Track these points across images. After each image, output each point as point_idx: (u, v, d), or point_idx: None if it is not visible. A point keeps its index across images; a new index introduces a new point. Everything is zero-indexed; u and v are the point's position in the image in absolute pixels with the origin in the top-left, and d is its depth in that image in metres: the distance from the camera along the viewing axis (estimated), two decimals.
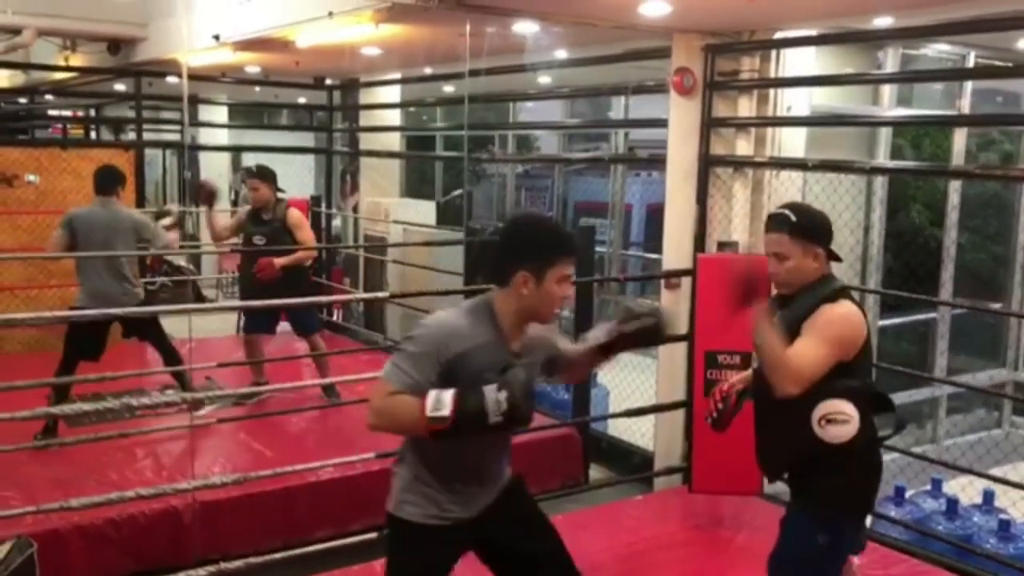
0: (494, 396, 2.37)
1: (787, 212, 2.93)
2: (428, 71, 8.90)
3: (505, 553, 2.78)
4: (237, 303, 8.40)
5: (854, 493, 2.93)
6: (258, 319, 6.32)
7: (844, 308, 2.85)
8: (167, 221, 6.14)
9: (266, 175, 6.26)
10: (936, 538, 4.54)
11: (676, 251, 5.62)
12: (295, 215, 6.22)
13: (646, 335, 2.72)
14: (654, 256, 9.56)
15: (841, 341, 2.80)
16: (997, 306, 7.78)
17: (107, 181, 5.72)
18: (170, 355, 5.76)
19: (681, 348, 5.36)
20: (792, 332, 2.83)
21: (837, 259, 2.95)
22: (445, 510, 2.63)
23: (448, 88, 10.14)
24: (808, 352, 2.76)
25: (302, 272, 6.24)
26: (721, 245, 5.26)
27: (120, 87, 10.59)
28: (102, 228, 5.57)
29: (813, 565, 2.93)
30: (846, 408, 2.79)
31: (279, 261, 5.95)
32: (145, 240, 5.80)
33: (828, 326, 2.80)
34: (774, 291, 2.99)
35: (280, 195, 6.32)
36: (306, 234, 6.22)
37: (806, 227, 2.89)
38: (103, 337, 5.57)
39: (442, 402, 2.38)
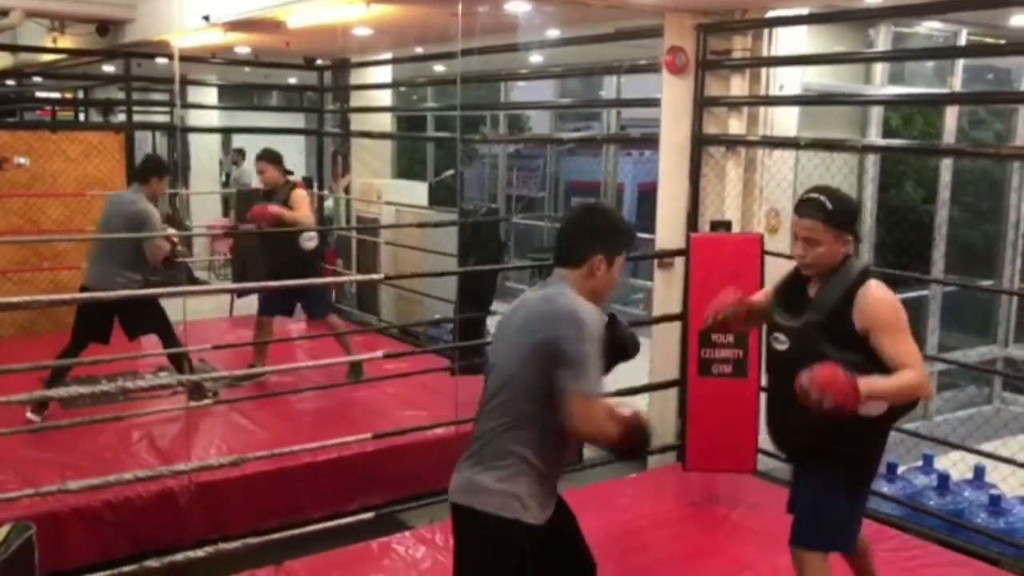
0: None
1: (823, 199, 2.94)
2: (419, 51, 8.86)
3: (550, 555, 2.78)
4: (233, 285, 8.40)
5: (874, 462, 3.08)
6: (275, 301, 6.40)
7: (882, 291, 2.91)
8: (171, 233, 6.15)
9: (273, 157, 6.36)
10: (927, 513, 4.59)
11: (669, 231, 5.63)
12: (298, 194, 6.30)
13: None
14: (647, 236, 9.58)
15: (906, 319, 2.90)
16: (988, 283, 7.82)
17: (138, 169, 5.93)
18: (173, 345, 5.69)
19: (675, 327, 5.38)
20: (829, 321, 2.89)
21: (859, 240, 3.04)
22: (544, 511, 2.66)
23: (439, 68, 10.11)
24: (907, 350, 2.83)
25: (309, 257, 6.33)
26: (714, 225, 5.26)
27: (109, 69, 10.52)
28: (116, 214, 5.67)
29: (839, 531, 3.07)
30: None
31: (274, 208, 6.15)
32: (136, 230, 5.67)
33: (894, 316, 2.87)
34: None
35: (289, 178, 6.44)
36: (302, 210, 6.27)
37: (840, 214, 2.93)
38: (109, 320, 5.58)
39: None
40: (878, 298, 2.88)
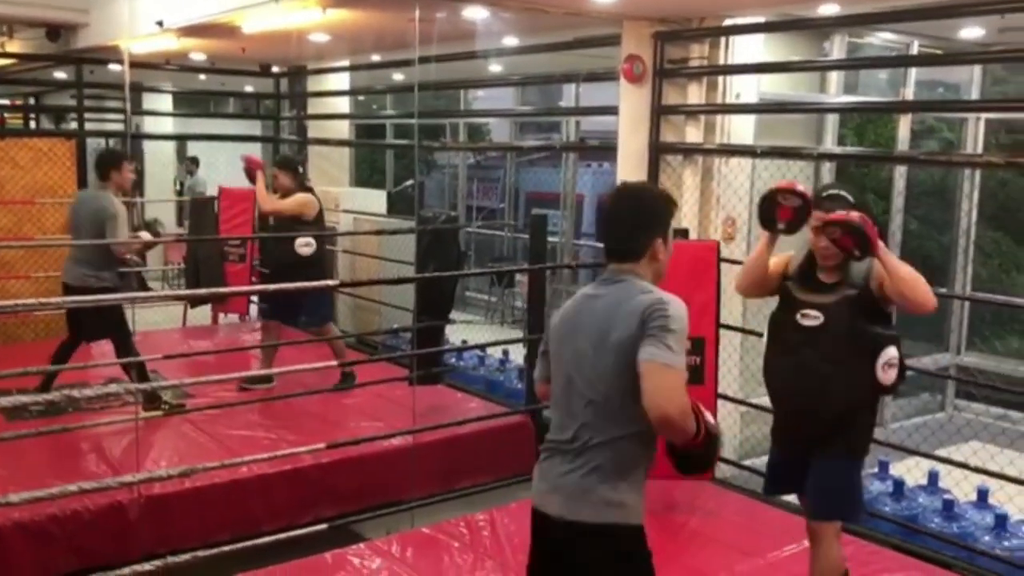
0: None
1: (844, 193, 3.29)
2: (377, 58, 8.81)
3: None
4: (184, 292, 8.26)
5: (872, 432, 3.41)
6: (278, 306, 6.44)
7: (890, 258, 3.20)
8: (145, 235, 6.13)
9: (287, 165, 6.41)
10: (883, 519, 4.62)
11: None
12: (298, 196, 6.27)
13: None
14: None
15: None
16: (942, 290, 7.92)
17: (95, 167, 5.82)
18: (128, 353, 5.57)
19: None
20: (861, 297, 3.22)
21: None
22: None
23: (398, 76, 10.05)
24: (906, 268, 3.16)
25: (316, 265, 6.25)
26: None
27: (61, 75, 10.32)
28: (81, 213, 5.66)
29: (859, 500, 3.45)
30: (896, 353, 3.23)
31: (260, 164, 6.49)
32: (101, 228, 5.58)
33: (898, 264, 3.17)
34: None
35: (308, 185, 6.48)
36: (288, 205, 6.21)
37: (860, 205, 3.26)
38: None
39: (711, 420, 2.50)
40: (886, 263, 3.17)
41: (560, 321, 2.65)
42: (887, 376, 3.22)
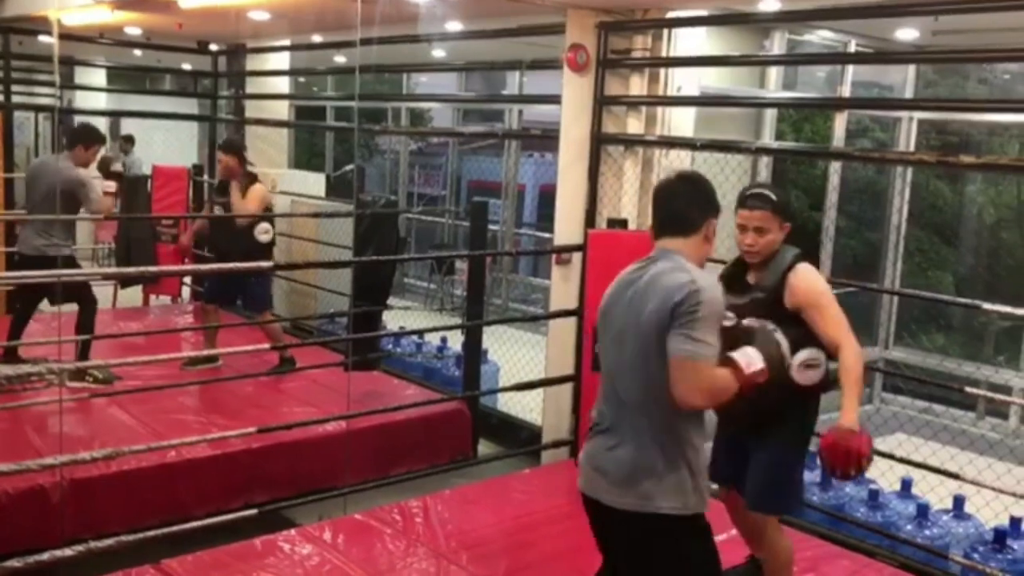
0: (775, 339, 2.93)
1: (767, 192, 3.30)
2: (318, 39, 8.67)
3: None
4: (112, 269, 8.06)
5: (810, 430, 3.44)
6: (218, 289, 6.44)
7: (809, 274, 3.25)
8: (111, 186, 5.92)
9: (233, 148, 6.28)
10: (811, 507, 4.70)
11: (567, 227, 5.64)
12: (255, 190, 6.19)
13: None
14: (546, 235, 9.60)
15: (831, 292, 3.26)
16: (873, 285, 8.11)
17: (71, 135, 5.96)
18: (91, 317, 5.79)
19: (571, 323, 5.39)
20: (769, 300, 3.21)
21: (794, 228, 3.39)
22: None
23: (340, 59, 9.92)
24: (835, 326, 3.15)
25: (264, 249, 6.20)
26: (611, 222, 5.30)
27: None
28: (40, 182, 5.75)
29: (798, 492, 3.50)
30: (820, 355, 3.18)
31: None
32: (77, 201, 5.71)
33: (819, 295, 3.21)
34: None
35: (250, 169, 6.33)
36: (248, 203, 6.12)
37: (783, 204, 3.29)
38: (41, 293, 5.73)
39: (752, 357, 2.70)
40: (804, 279, 3.22)
41: (604, 304, 2.75)
42: (804, 377, 3.18)
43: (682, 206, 2.69)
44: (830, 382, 3.26)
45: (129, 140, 13.06)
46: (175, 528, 4.07)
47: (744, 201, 3.32)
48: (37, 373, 5.16)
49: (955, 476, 4.29)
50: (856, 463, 3.03)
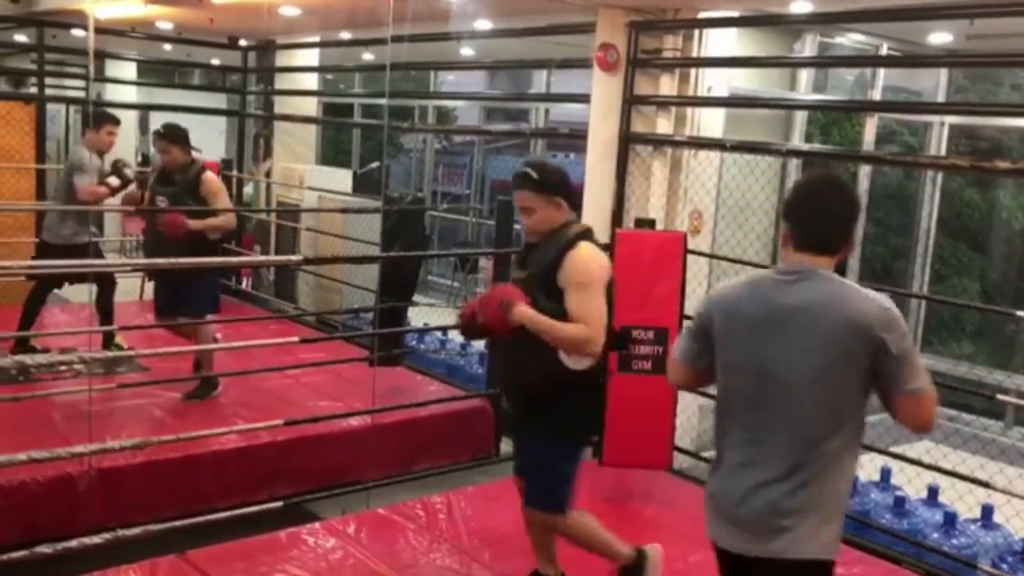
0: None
1: (528, 170, 3.30)
2: (348, 36, 8.70)
3: None
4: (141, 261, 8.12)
5: (588, 416, 3.40)
6: (171, 301, 5.55)
7: (587, 253, 3.20)
8: (113, 181, 5.88)
9: (176, 137, 5.46)
10: None
11: (593, 226, 5.60)
12: (211, 181, 5.50)
13: None
14: None
15: (601, 280, 3.19)
16: (900, 290, 8.04)
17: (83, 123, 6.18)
18: (110, 301, 5.98)
19: None
20: (542, 274, 3.19)
21: (575, 206, 3.41)
22: None
23: (368, 56, 9.95)
24: (587, 310, 3.12)
25: (212, 245, 5.51)
26: (639, 222, 5.28)
27: (21, 38, 10.07)
28: (64, 171, 6.03)
29: (569, 487, 3.36)
30: None
31: (193, 224, 5.30)
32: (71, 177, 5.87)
33: (585, 273, 3.16)
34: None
35: (196, 156, 5.69)
36: (223, 203, 5.55)
37: (545, 183, 3.27)
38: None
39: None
40: (579, 258, 3.17)
41: (737, 310, 2.45)
42: (572, 360, 3.17)
43: (839, 227, 2.41)
44: (601, 374, 3.29)
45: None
46: (200, 519, 4.11)
47: (513, 180, 3.35)
48: (66, 362, 5.19)
49: (985, 484, 4.24)
50: (500, 299, 3.13)
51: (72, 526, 4.03)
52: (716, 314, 2.50)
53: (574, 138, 7.64)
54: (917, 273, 8.04)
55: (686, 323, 2.90)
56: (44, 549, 3.66)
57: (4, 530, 4.11)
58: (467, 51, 9.38)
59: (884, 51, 7.09)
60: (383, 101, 7.67)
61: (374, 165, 12.74)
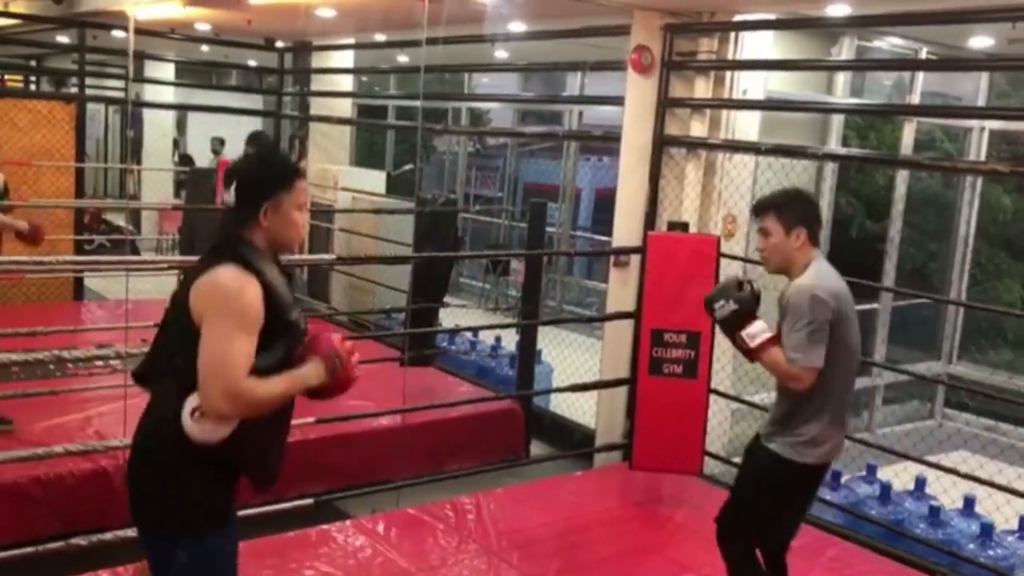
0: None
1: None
2: (383, 38, 8.75)
3: None
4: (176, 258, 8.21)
5: (204, 506, 2.38)
6: None
7: (226, 275, 2.27)
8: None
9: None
10: (869, 521, 4.62)
11: (626, 229, 5.61)
12: None
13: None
14: (602, 238, 9.55)
15: (243, 318, 2.25)
16: (938, 296, 7.92)
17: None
18: None
19: (627, 325, 5.36)
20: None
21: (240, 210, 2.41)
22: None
23: (403, 58, 9.99)
24: (212, 352, 2.21)
25: None
26: (671, 225, 5.25)
27: (63, 38, 10.23)
28: None
29: None
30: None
31: None
32: None
33: (224, 305, 2.24)
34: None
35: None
36: None
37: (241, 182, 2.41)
38: None
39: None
40: (212, 283, 2.29)
41: (846, 295, 3.02)
42: (198, 429, 2.23)
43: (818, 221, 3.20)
44: (249, 449, 2.36)
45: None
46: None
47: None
48: (103, 356, 5.26)
49: (1023, 495, 4.16)
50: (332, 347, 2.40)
51: (107, 519, 4.08)
52: (837, 304, 2.96)
53: (608, 141, 7.62)
54: (955, 280, 7.91)
55: (810, 328, 2.89)
56: (79, 541, 3.71)
57: (41, 522, 4.18)
58: (501, 53, 9.40)
59: (923, 54, 6.99)
60: (417, 103, 7.67)
61: (408, 167, 12.79)
